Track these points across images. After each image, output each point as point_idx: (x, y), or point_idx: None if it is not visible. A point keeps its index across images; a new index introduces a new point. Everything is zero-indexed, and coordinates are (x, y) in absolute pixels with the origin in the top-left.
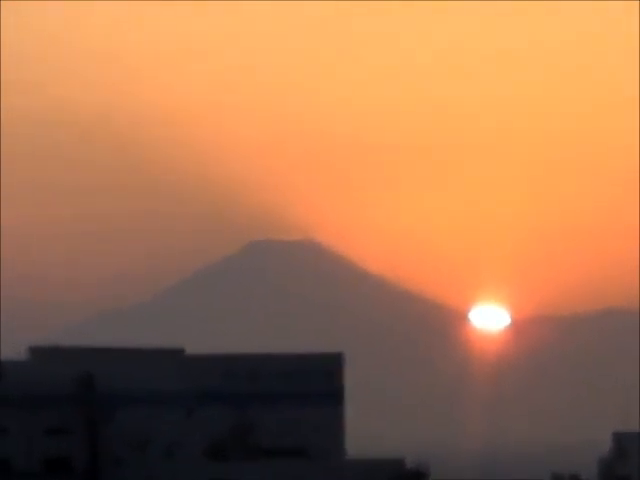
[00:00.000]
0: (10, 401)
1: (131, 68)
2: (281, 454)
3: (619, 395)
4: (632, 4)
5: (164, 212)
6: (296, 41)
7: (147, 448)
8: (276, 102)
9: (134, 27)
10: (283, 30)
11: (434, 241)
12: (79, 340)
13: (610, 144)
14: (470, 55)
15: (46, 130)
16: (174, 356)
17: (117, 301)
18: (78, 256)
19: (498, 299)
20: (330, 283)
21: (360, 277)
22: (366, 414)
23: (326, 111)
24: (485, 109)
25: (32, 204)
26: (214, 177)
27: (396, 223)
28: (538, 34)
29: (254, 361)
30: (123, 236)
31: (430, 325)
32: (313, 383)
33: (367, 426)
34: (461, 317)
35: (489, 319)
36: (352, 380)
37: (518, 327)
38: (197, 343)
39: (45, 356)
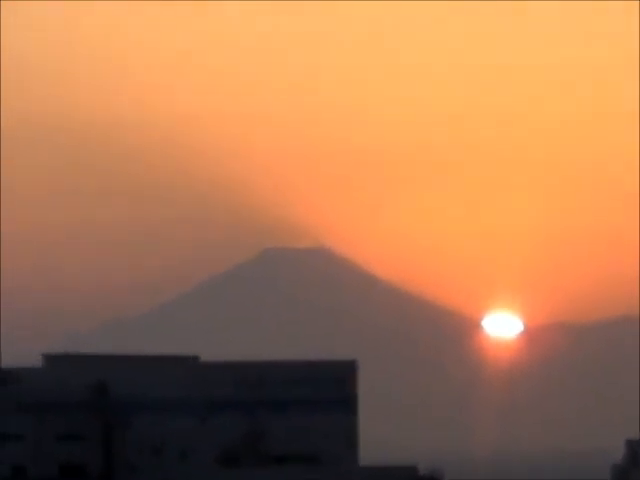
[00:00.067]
0: (25, 408)
1: (139, 72)
2: (293, 461)
3: (631, 403)
4: (632, 4)
5: (178, 220)
6: (309, 50)
7: (160, 454)
8: (288, 112)
9: (139, 30)
10: (296, 39)
11: (447, 248)
12: (91, 348)
13: (624, 151)
14: (479, 61)
15: (51, 135)
16: (187, 363)
17: (129, 309)
18: (91, 264)
19: (511, 307)
20: (342, 290)
21: (372, 284)
22: (378, 420)
23: (337, 120)
24: (500, 118)
25: (41, 212)
26: (227, 185)
27: (408, 230)
28: (539, 35)
29: (266, 368)
30: (136, 244)
31: (443, 332)
32: (326, 390)
33: (379, 432)
34: (474, 324)
35: (502, 326)
36: (364, 386)
37: (531, 335)
38: (210, 350)
39: (59, 363)
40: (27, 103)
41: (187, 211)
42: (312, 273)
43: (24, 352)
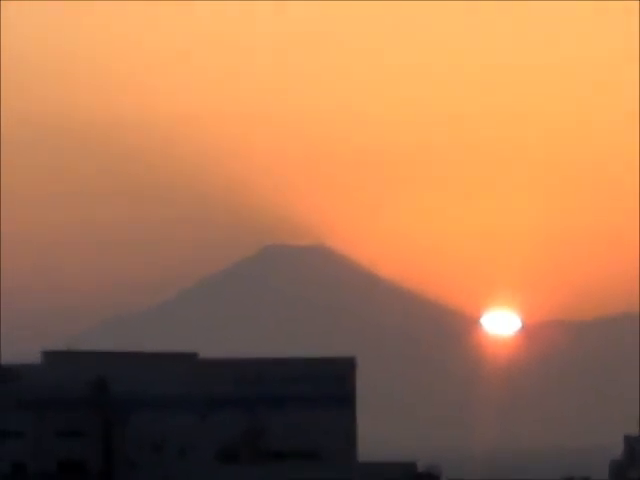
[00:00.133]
0: (25, 405)
1: (138, 72)
2: (292, 457)
3: (630, 399)
4: (632, 4)
5: (179, 218)
6: (310, 50)
7: (160, 451)
8: (289, 111)
9: (139, 30)
10: (297, 39)
11: (446, 247)
12: (92, 345)
13: (623, 148)
14: (478, 61)
15: (51, 135)
16: (187, 360)
17: (130, 306)
18: (92, 262)
19: (510, 304)
20: (341, 287)
21: (371, 282)
22: (378, 417)
23: (337, 119)
24: (497, 115)
25: (43, 211)
26: (227, 183)
27: (408, 228)
28: (539, 35)
29: (266, 365)
30: (137, 242)
31: (442, 330)
32: (325, 387)
33: (379, 430)
34: (473, 322)
35: (501, 324)
36: (363, 384)
37: (530, 332)
38: (210, 347)
39: (59, 360)
40: (27, 103)
41: (188, 209)
42: (312, 271)
43: (25, 350)
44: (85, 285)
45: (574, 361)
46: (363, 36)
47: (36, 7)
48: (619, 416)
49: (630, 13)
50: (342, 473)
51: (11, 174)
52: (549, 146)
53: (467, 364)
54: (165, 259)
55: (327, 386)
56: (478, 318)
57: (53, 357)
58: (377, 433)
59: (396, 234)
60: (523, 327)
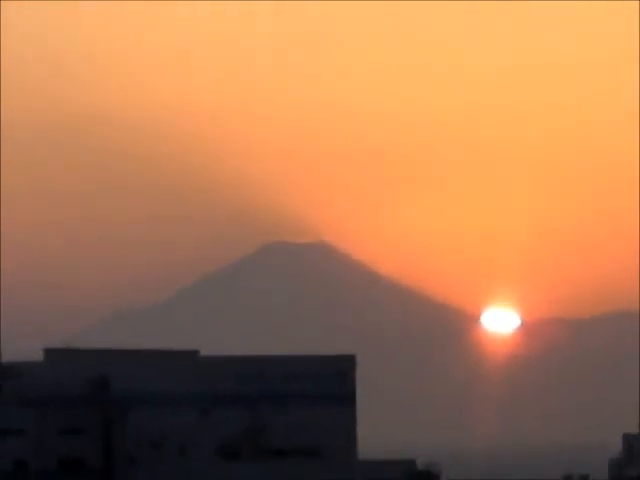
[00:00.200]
0: (26, 402)
1: (138, 70)
2: (293, 454)
3: (629, 397)
4: (632, 4)
5: (181, 216)
6: (312, 47)
7: (161, 448)
8: (290, 108)
9: (138, 29)
10: (300, 36)
11: (446, 244)
12: (94, 342)
13: (620, 146)
14: (478, 61)
15: (51, 134)
16: (188, 358)
17: (131, 303)
18: (94, 259)
19: (509, 302)
20: (342, 285)
21: (371, 279)
22: (377, 415)
23: (338, 117)
24: (496, 112)
25: (44, 209)
26: (229, 181)
27: (408, 226)
28: (539, 36)
29: (267, 363)
30: (139, 240)
31: (442, 327)
32: (325, 384)
33: (378, 427)
34: (473, 320)
35: (500, 322)
36: (363, 382)
37: (529, 330)
38: (211, 344)
39: (60, 358)
40: (26, 102)
41: (189, 207)
42: (313, 268)
43: (26, 347)
44: (86, 283)
45: (573, 359)
46: (363, 35)
47: (36, 7)
48: (618, 414)
49: (630, 13)
50: (342, 471)
51: (11, 172)
52: (547, 145)
53: (467, 361)
54: (166, 257)
55: (327, 384)
56: (478, 316)
57: (54, 355)
58: (377, 431)
59: (396, 232)
60: (522, 325)
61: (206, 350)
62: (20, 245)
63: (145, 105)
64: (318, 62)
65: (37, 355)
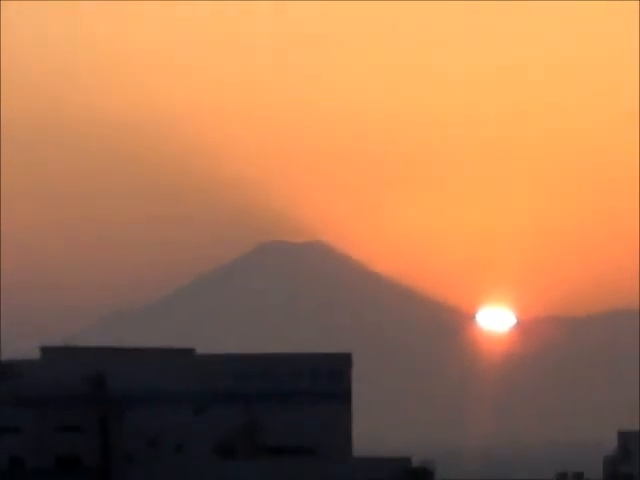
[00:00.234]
0: (23, 401)
1: (136, 71)
2: (289, 452)
3: (624, 395)
4: (632, 4)
5: (178, 215)
6: (308, 47)
7: (157, 446)
8: (287, 108)
9: (137, 30)
10: (296, 36)
11: (441, 243)
12: (91, 341)
13: (618, 145)
14: (475, 60)
15: (50, 135)
16: (184, 356)
17: (129, 302)
18: (92, 259)
19: (505, 300)
20: (338, 284)
21: (368, 278)
22: (372, 413)
23: (335, 116)
24: (494, 113)
25: (42, 209)
26: (226, 181)
27: (403, 225)
28: (538, 35)
29: (263, 361)
30: (136, 239)
31: (437, 326)
32: (321, 383)
33: (374, 426)
34: (468, 318)
35: (496, 320)
36: (359, 380)
37: (524, 328)
38: (208, 343)
39: (56, 356)
40: (26, 102)
41: (186, 207)
42: (309, 267)
43: (24, 347)
44: (84, 282)
45: (569, 357)
46: (362, 35)
47: (36, 7)
48: (613, 412)
49: (630, 13)
50: (338, 469)
51: (10, 172)
52: (543, 144)
53: (462, 360)
54: (163, 256)
55: (323, 382)
56: (473, 314)
57: (51, 353)
58: (373, 429)
59: (392, 231)
60: (518, 323)
61: (203, 349)
62: (18, 245)
63: (143, 106)
64: (315, 62)
65: (34, 354)
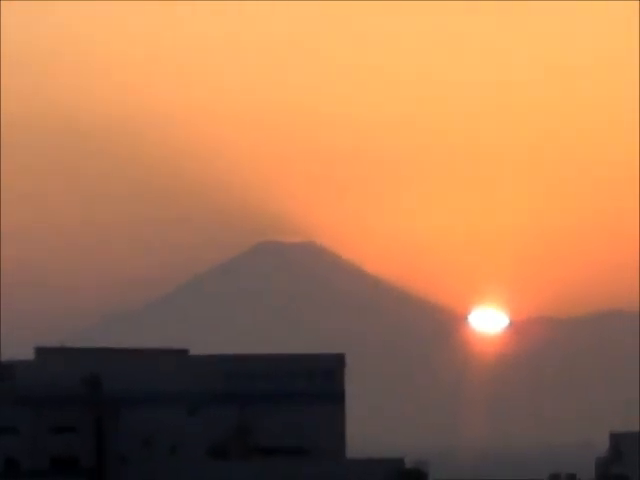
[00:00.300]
0: (18, 401)
1: (135, 73)
2: (283, 453)
3: (617, 396)
4: (632, 4)
5: (174, 216)
6: (301, 47)
7: (151, 446)
8: (281, 110)
9: (132, 33)
10: (288, 37)
11: (434, 244)
12: (88, 342)
13: (609, 146)
14: (470, 59)
15: (46, 136)
16: (178, 357)
17: (124, 303)
18: (89, 260)
19: (497, 301)
20: (331, 284)
21: (361, 279)
22: (365, 414)
23: (328, 118)
24: (484, 113)
25: (38, 210)
26: (222, 183)
27: (396, 226)
28: (538, 35)
29: (256, 362)
30: (132, 240)
31: (430, 327)
32: (314, 383)
33: (366, 426)
34: (461, 319)
35: (488, 321)
36: (352, 381)
37: (517, 329)
38: (202, 344)
39: (51, 357)
40: (23, 104)
41: (182, 208)
42: (303, 267)
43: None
44: (81, 283)
45: (561, 358)
46: (352, 36)
47: (36, 7)
48: (605, 413)
49: (630, 13)
50: (331, 469)
51: (10, 173)
52: (534, 147)
53: (455, 361)
54: (159, 257)
55: (316, 382)
56: (466, 315)
57: (46, 353)
58: (365, 429)
59: (385, 232)
60: (511, 324)
61: (197, 349)
62: (15, 246)
63: (138, 109)
64: (307, 64)
65: (30, 355)
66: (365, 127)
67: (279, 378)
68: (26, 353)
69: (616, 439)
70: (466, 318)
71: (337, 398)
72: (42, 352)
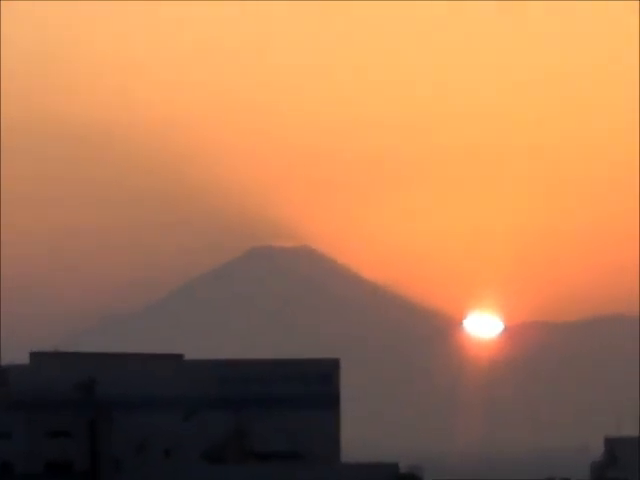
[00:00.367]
0: (13, 405)
1: (135, 78)
2: (277, 457)
3: (611, 400)
4: (632, 4)
5: (168, 221)
6: (297, 53)
7: (146, 451)
8: (274, 115)
9: (131, 36)
10: (281, 40)
11: (429, 249)
12: (82, 346)
13: (606, 150)
14: (467, 63)
15: (47, 140)
16: (173, 361)
17: (120, 307)
18: (84, 265)
19: (492, 306)
20: (326, 289)
21: (355, 283)
22: (360, 419)
23: (322, 122)
24: (479, 118)
25: (34, 214)
26: (217, 187)
27: (391, 231)
28: (537, 35)
29: (251, 366)
30: (127, 245)
31: (425, 331)
32: (309, 388)
33: (361, 431)
34: (456, 324)
35: (483, 326)
36: (347, 386)
37: (511, 334)
38: (196, 348)
39: (45, 361)
40: (21, 109)
41: (176, 212)
42: (297, 272)
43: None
44: (75, 287)
45: (555, 362)
46: (346, 38)
47: (36, 7)
48: (600, 417)
49: (630, 13)
50: (326, 474)
51: (6, 179)
52: (531, 149)
53: (450, 366)
54: (153, 261)
55: (311, 387)
56: (460, 320)
57: (40, 358)
58: (359, 434)
59: (379, 236)
60: (505, 329)
61: (192, 353)
62: (11, 250)
63: (137, 114)
64: (300, 68)
65: (25, 359)
66: (361, 132)
67: (274, 383)
68: (20, 357)
69: (611, 444)
70: (461, 323)
71: (332, 403)
72: (36, 357)
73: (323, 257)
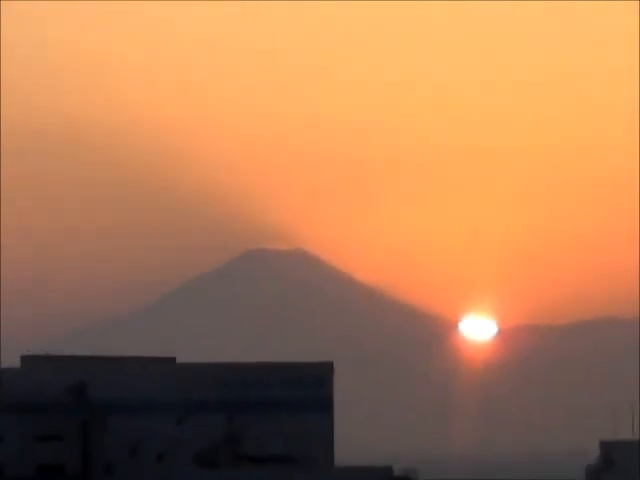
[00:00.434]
0: (4, 409)
1: (133, 82)
2: (271, 461)
3: (605, 404)
4: (632, 4)
5: (164, 223)
6: (293, 58)
7: (138, 455)
8: (269, 118)
9: (129, 36)
10: (278, 43)
11: (423, 252)
12: (77, 349)
13: (604, 153)
14: (465, 64)
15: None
16: (166, 365)
17: (114, 309)
18: (78, 267)
19: (486, 309)
20: (321, 292)
21: (350, 286)
22: (354, 422)
23: (317, 126)
24: (474, 121)
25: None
26: (212, 190)
27: (386, 235)
28: (537, 35)
29: (244, 370)
30: (122, 247)
31: (420, 334)
32: (303, 391)
33: (355, 434)
34: (450, 327)
35: (478, 329)
36: (341, 389)
37: (506, 337)
38: (191, 350)
39: (37, 364)
40: (19, 111)
41: (171, 215)
42: (291, 274)
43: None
44: (70, 289)
45: (550, 365)
46: (339, 44)
47: (36, 7)
48: (595, 421)
49: (630, 13)
50: (320, 477)
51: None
52: (524, 153)
53: (444, 368)
54: (149, 263)
55: (305, 391)
56: (455, 323)
57: (32, 361)
58: (353, 437)
59: (374, 239)
60: (499, 332)
61: (186, 356)
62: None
63: (133, 118)
64: (294, 72)
65: (16, 362)
66: (357, 135)
67: (268, 386)
68: (12, 360)
69: (607, 447)
70: (456, 326)
71: (326, 406)
72: (28, 360)
73: (318, 260)
